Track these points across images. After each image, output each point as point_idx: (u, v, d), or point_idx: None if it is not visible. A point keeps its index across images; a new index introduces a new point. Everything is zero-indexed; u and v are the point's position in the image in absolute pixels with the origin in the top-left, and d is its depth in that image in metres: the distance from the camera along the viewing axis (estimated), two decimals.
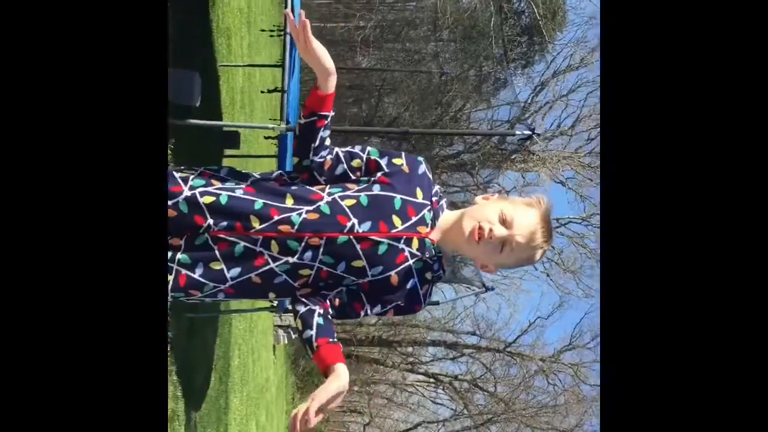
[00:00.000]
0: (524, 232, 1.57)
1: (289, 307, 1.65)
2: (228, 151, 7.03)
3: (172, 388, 3.67)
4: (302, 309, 1.57)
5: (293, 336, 13.42)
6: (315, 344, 1.51)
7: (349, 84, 17.62)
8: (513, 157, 16.69)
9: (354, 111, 18.81)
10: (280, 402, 16.24)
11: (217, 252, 1.53)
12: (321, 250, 1.54)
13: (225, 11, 7.43)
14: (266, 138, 9.35)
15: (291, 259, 1.54)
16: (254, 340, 10.29)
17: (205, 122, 4.83)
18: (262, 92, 10.34)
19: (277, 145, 5.06)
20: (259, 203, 1.56)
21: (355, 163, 1.65)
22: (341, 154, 1.66)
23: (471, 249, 1.61)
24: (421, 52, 18.42)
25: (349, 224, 1.55)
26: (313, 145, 1.63)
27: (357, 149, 1.68)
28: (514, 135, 6.42)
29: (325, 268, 1.56)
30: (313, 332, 1.52)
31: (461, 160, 17.63)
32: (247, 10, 9.67)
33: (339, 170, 1.65)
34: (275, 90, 8.12)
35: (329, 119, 1.64)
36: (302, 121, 1.63)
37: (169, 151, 3.84)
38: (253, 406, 9.25)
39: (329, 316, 1.58)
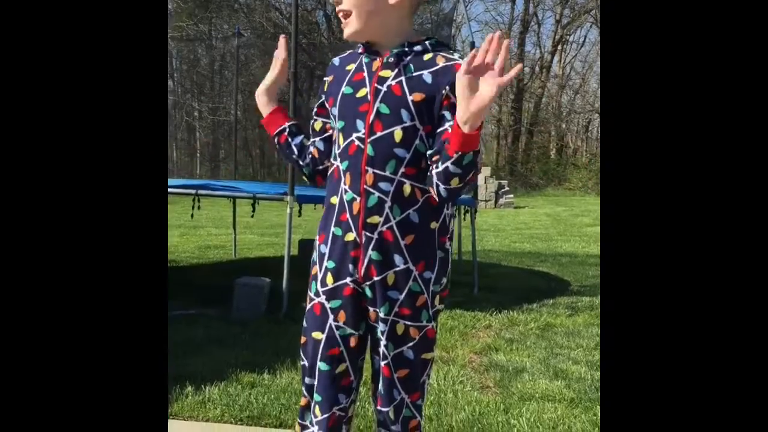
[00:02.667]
0: None
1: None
2: None
3: None
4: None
5: None
6: None
7: None
8: None
9: None
10: None
11: None
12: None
13: None
14: None
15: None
16: None
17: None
18: None
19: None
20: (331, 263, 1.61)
21: (318, 126, 1.70)
22: (316, 142, 1.71)
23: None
24: None
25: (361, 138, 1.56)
26: (293, 156, 1.72)
27: (312, 124, 1.72)
28: None
29: None
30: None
31: None
32: None
33: (324, 146, 1.70)
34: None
35: (287, 130, 1.71)
36: (276, 146, 1.73)
37: None
38: None
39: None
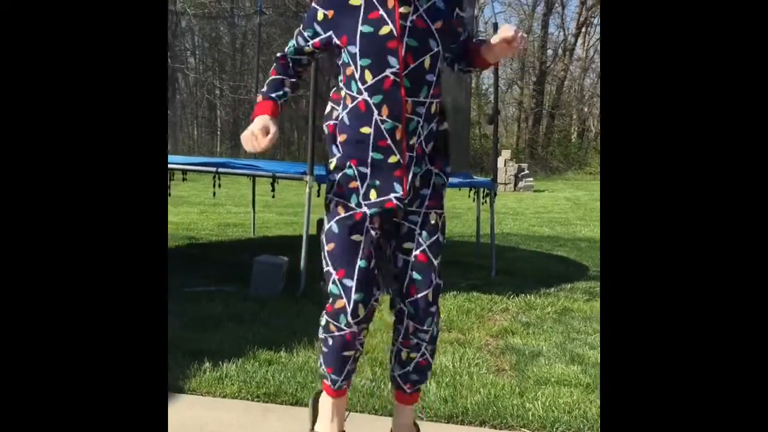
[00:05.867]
0: None
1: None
2: None
3: None
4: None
5: None
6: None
7: None
8: None
9: None
10: None
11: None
12: None
13: None
14: None
15: None
16: None
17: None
18: None
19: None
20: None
21: (307, 51, 1.81)
22: (303, 60, 1.83)
23: None
24: None
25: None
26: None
27: (302, 46, 1.80)
28: None
29: None
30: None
31: None
32: None
33: (307, 63, 1.85)
34: None
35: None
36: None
37: None
38: None
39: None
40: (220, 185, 6.11)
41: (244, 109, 24.85)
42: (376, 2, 1.68)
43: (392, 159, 1.73)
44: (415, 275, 1.80)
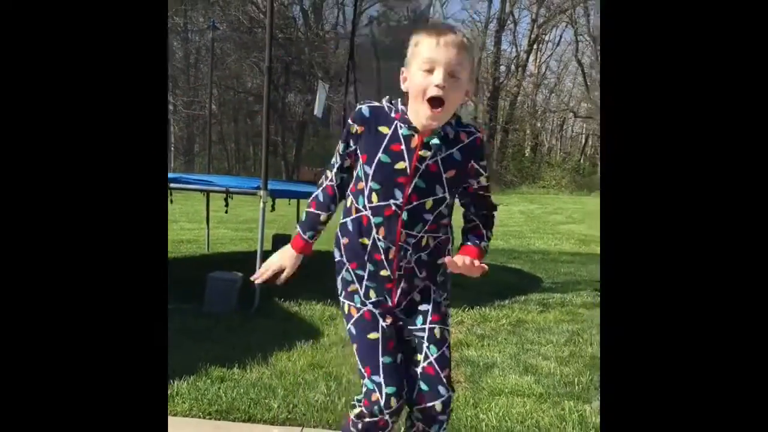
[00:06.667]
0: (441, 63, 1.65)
1: None
2: None
3: None
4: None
5: None
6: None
7: None
8: None
9: None
10: None
11: None
12: None
13: None
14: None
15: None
16: None
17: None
18: None
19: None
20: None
21: (347, 164, 1.85)
22: (345, 177, 1.86)
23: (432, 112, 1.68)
24: None
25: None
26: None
27: (341, 162, 1.85)
28: None
29: None
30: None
31: None
32: None
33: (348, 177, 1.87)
34: None
35: (319, 221, 1.89)
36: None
37: None
38: None
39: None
40: (172, 201, 6.03)
41: (198, 124, 24.59)
42: (401, 136, 1.74)
43: (384, 273, 1.81)
44: (423, 386, 1.84)
